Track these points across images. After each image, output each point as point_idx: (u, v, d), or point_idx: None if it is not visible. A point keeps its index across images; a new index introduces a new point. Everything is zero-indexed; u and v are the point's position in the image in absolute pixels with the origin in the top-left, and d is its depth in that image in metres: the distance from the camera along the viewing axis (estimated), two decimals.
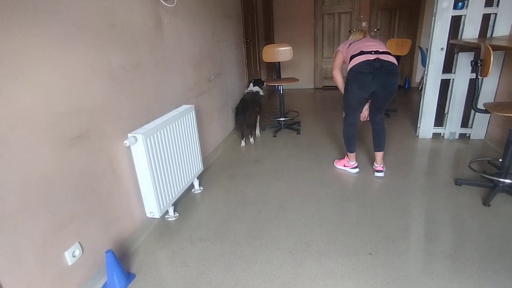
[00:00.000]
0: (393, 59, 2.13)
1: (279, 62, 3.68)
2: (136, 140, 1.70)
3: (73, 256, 1.42)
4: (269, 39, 5.68)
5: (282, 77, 3.89)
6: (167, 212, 2.15)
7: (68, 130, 1.38)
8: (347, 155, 2.65)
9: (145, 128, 1.81)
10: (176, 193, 2.13)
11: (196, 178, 2.49)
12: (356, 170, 2.64)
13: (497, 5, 2.69)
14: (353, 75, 2.17)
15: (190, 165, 2.34)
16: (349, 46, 2.35)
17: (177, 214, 2.18)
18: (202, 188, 2.55)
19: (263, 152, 3.25)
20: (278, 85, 3.64)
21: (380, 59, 2.08)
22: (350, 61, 2.21)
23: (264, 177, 2.69)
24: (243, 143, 3.47)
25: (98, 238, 1.59)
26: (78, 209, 1.45)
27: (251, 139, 3.50)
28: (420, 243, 1.78)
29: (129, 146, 1.72)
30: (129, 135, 1.71)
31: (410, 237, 1.84)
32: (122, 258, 1.77)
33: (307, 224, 2.02)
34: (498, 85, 2.91)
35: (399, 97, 5.13)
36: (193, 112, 2.35)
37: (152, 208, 1.89)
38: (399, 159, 2.86)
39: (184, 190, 2.27)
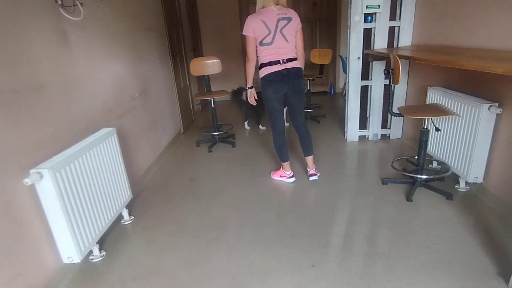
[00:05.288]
0: (297, 64, 2.37)
1: (208, 75, 3.59)
2: (42, 176, 1.44)
3: None
4: (198, 52, 5.58)
5: (212, 90, 3.81)
6: (91, 252, 1.87)
7: None
8: (282, 166, 2.67)
9: (53, 161, 1.55)
10: (100, 229, 1.88)
11: (124, 208, 2.25)
12: (293, 179, 2.67)
13: (399, 19, 3.02)
14: (267, 83, 2.37)
15: (116, 194, 2.10)
16: (255, 29, 2.24)
17: (104, 253, 1.92)
18: (133, 217, 2.31)
19: (199, 169, 3.11)
20: (211, 99, 3.54)
21: (286, 68, 2.32)
22: (260, 68, 2.37)
23: (200, 197, 2.56)
24: (247, 125, 4.26)
25: None
26: None
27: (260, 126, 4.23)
28: (357, 247, 1.84)
29: (32, 185, 1.45)
30: (31, 171, 1.44)
31: (348, 242, 1.89)
32: None
33: (248, 243, 1.95)
34: (407, 89, 3.25)
35: (326, 103, 5.44)
36: (115, 135, 2.12)
37: (70, 253, 1.62)
38: (331, 164, 2.98)
39: (111, 223, 2.02)
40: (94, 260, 1.87)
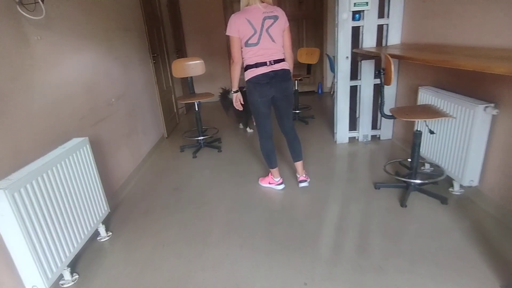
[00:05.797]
0: (285, 66, 2.22)
1: (191, 77, 3.43)
2: None
3: None
4: (181, 52, 5.38)
5: (197, 92, 3.64)
6: (61, 276, 1.70)
7: None
8: (271, 172, 2.53)
9: (11, 179, 1.37)
10: (72, 250, 1.70)
11: (101, 224, 2.07)
12: (282, 186, 2.54)
13: (388, 17, 2.92)
14: (253, 86, 2.23)
15: (90, 210, 1.92)
16: (240, 28, 2.10)
17: (76, 276, 1.75)
18: (111, 233, 2.13)
19: (183, 177, 2.94)
20: (194, 102, 3.38)
21: (273, 70, 2.18)
22: (246, 70, 2.23)
23: (184, 208, 2.40)
24: (241, 126, 4.21)
25: None
26: None
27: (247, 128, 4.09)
28: (352, 260, 1.72)
29: None
30: None
31: (342, 254, 1.77)
32: None
33: (235, 259, 1.80)
34: (396, 89, 3.16)
35: (314, 103, 5.34)
36: (88, 145, 1.95)
37: (35, 281, 1.45)
38: (322, 168, 2.86)
39: (85, 242, 1.85)
40: (65, 286, 1.69)
